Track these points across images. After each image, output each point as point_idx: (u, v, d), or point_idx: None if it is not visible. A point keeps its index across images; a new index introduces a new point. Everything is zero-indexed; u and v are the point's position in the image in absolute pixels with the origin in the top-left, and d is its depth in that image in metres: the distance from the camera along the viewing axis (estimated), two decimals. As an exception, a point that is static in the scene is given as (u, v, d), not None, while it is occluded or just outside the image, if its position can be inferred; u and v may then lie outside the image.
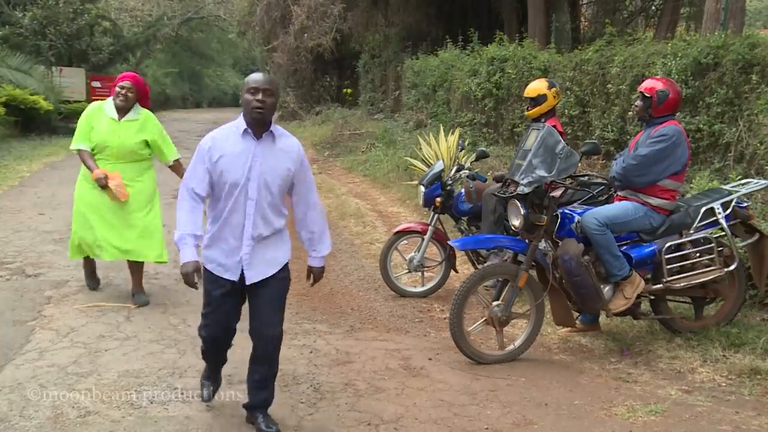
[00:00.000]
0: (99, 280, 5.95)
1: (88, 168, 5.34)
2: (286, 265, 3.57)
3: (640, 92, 4.70)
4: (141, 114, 5.51)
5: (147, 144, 5.51)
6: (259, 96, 3.29)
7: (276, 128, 3.43)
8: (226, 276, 3.45)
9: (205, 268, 3.50)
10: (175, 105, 39.11)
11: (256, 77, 3.36)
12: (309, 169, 3.59)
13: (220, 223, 3.42)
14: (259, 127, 3.35)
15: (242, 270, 3.44)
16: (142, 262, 5.60)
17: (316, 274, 3.73)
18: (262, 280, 3.48)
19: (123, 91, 5.38)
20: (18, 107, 16.04)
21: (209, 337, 3.67)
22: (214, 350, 3.76)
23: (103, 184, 5.27)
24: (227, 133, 3.41)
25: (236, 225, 3.39)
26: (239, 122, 3.39)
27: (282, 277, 3.55)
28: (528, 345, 4.72)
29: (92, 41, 24.82)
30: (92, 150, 5.37)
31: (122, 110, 5.42)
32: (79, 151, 5.39)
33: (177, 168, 5.68)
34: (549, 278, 4.63)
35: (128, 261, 5.59)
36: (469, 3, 18.29)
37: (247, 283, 3.45)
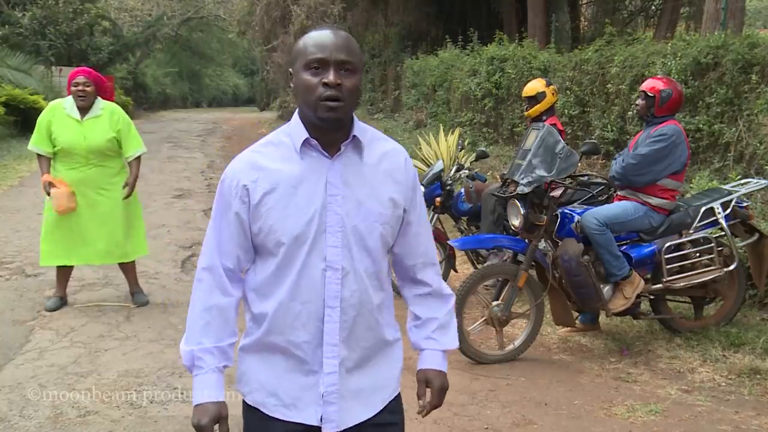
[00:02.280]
0: (66, 300, 5.46)
1: (41, 170, 5.15)
2: (398, 397, 2.03)
3: (643, 91, 4.69)
4: (104, 109, 5.14)
5: (116, 139, 5.17)
6: (331, 77, 1.69)
7: (361, 127, 1.83)
8: (290, 418, 1.85)
9: (246, 405, 1.92)
10: (175, 105, 39.22)
11: (322, 38, 1.73)
12: (422, 198, 1.99)
13: (274, 316, 1.82)
14: (332, 133, 1.78)
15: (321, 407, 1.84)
16: (133, 262, 5.56)
17: (435, 387, 2.04)
18: (354, 427, 1.89)
19: (79, 88, 4.98)
20: (18, 107, 16.03)
21: None
22: None
23: (47, 191, 5.05)
24: (272, 151, 1.82)
25: (306, 320, 1.80)
26: (292, 128, 1.82)
27: (392, 422, 1.99)
28: (528, 345, 4.72)
29: (92, 41, 24.92)
30: (57, 154, 5.08)
31: (83, 109, 5.06)
32: (37, 154, 5.14)
33: (134, 165, 5.28)
34: (549, 278, 4.62)
35: (119, 263, 5.54)
36: (469, 3, 18.29)
37: (327, 431, 1.85)
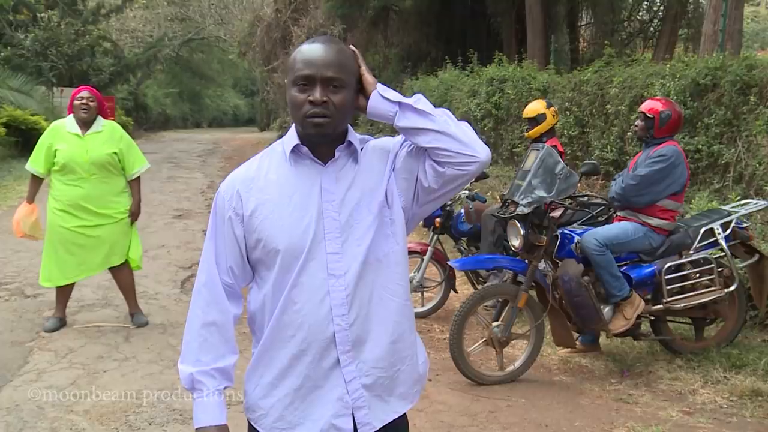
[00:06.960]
0: (65, 321, 5.43)
1: (29, 192, 5.26)
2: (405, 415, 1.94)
3: (642, 112, 4.71)
4: (105, 125, 5.24)
5: (117, 156, 5.23)
6: (317, 95, 1.68)
7: (356, 137, 1.82)
8: None
9: (253, 429, 1.88)
10: (176, 125, 39.33)
11: (310, 53, 1.70)
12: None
13: (272, 330, 1.80)
14: (323, 145, 1.78)
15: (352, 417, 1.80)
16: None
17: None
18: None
19: (83, 101, 5.07)
20: (19, 128, 16.10)
21: None
22: None
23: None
24: (266, 161, 1.83)
25: (307, 333, 1.76)
26: (286, 137, 1.82)
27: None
28: (528, 366, 4.70)
29: (93, 62, 25.00)
30: (60, 171, 5.10)
31: (85, 123, 5.13)
32: (31, 174, 5.20)
33: (135, 187, 5.38)
34: (549, 299, 4.62)
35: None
36: (469, 24, 18.43)
37: None
